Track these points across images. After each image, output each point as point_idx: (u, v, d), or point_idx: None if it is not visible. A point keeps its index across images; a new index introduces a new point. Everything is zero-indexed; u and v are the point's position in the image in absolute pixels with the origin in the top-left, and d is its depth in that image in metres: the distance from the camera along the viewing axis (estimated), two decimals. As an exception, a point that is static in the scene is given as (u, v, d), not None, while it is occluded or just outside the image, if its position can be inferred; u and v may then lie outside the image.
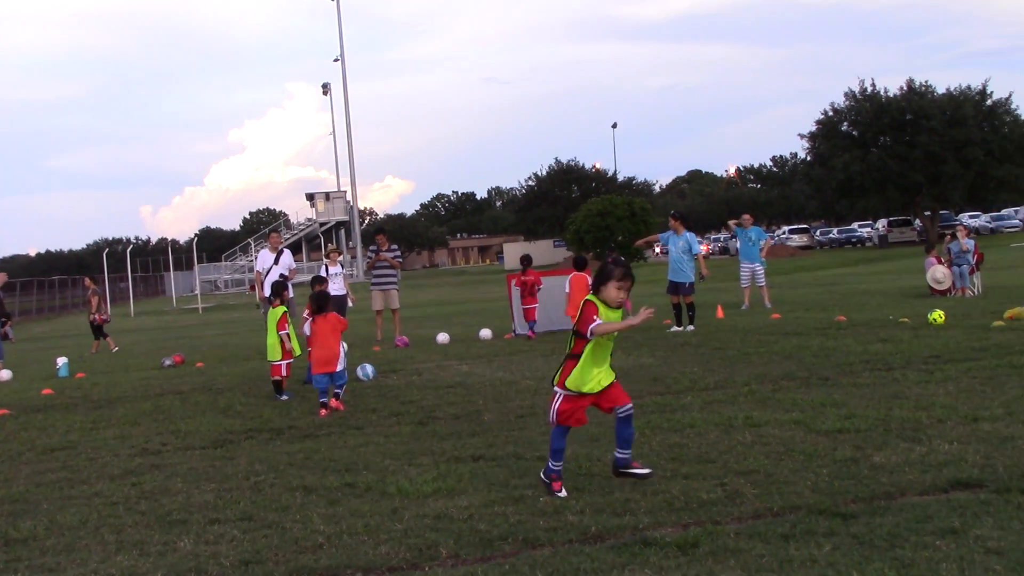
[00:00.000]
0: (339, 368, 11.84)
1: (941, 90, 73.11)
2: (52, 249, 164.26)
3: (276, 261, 19.03)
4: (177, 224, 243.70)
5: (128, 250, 72.56)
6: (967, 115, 68.72)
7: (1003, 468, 6.57)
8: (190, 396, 13.63)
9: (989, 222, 76.99)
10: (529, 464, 7.76)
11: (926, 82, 73.68)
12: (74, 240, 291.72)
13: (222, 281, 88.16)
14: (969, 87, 72.31)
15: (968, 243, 22.66)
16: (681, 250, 18.69)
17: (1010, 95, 71.31)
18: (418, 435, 9.49)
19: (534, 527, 6.00)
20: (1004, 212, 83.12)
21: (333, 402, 11.56)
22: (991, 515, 5.62)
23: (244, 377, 15.59)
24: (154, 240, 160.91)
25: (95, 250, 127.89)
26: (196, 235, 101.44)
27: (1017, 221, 76.53)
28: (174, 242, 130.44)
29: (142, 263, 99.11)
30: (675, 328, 18.04)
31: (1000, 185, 71.56)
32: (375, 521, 6.39)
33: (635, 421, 9.12)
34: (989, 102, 71.05)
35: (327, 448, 9.12)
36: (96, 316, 25.91)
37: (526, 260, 20.69)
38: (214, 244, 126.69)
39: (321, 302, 12.12)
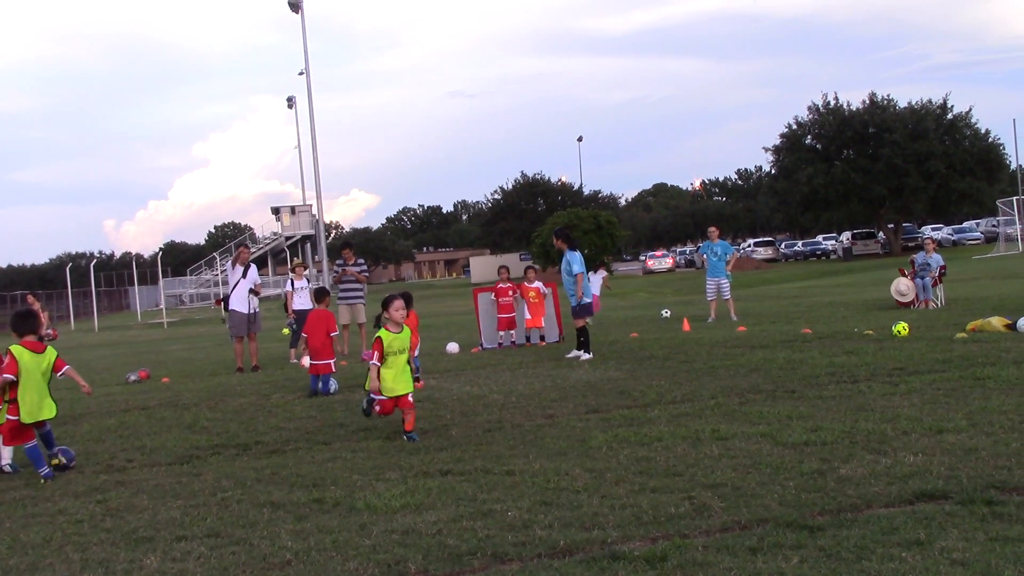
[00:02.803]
0: (415, 353, 13.66)
1: (903, 104, 74.20)
2: (14, 264, 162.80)
3: (244, 275, 18.98)
4: (141, 238, 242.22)
5: (92, 264, 71.88)
6: (928, 128, 69.67)
7: (967, 479, 6.63)
8: (155, 412, 13.53)
9: (951, 234, 77.84)
10: (497, 478, 7.75)
11: (888, 96, 74.79)
12: (37, 254, 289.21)
13: (187, 295, 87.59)
14: (930, 101, 73.47)
15: (936, 258, 22.85)
16: (564, 271, 17.17)
17: (970, 109, 72.56)
18: (386, 450, 9.46)
19: (503, 542, 5.99)
20: (966, 224, 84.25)
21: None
22: (956, 526, 5.67)
23: (210, 392, 15.49)
24: (118, 254, 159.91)
25: (58, 264, 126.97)
26: (161, 249, 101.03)
27: (979, 233, 77.43)
28: (138, 256, 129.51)
29: (106, 278, 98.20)
30: (573, 355, 16.50)
31: (961, 198, 72.56)
32: (343, 537, 6.36)
33: (601, 435, 9.19)
34: (950, 116, 72.09)
35: (294, 463, 9.08)
36: (52, 331, 25.73)
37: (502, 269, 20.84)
38: (179, 258, 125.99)
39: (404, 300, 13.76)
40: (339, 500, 7.39)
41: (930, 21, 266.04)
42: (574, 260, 17.00)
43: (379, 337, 10.26)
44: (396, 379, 10.25)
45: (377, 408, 10.34)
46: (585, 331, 16.77)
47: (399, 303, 10.49)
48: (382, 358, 10.21)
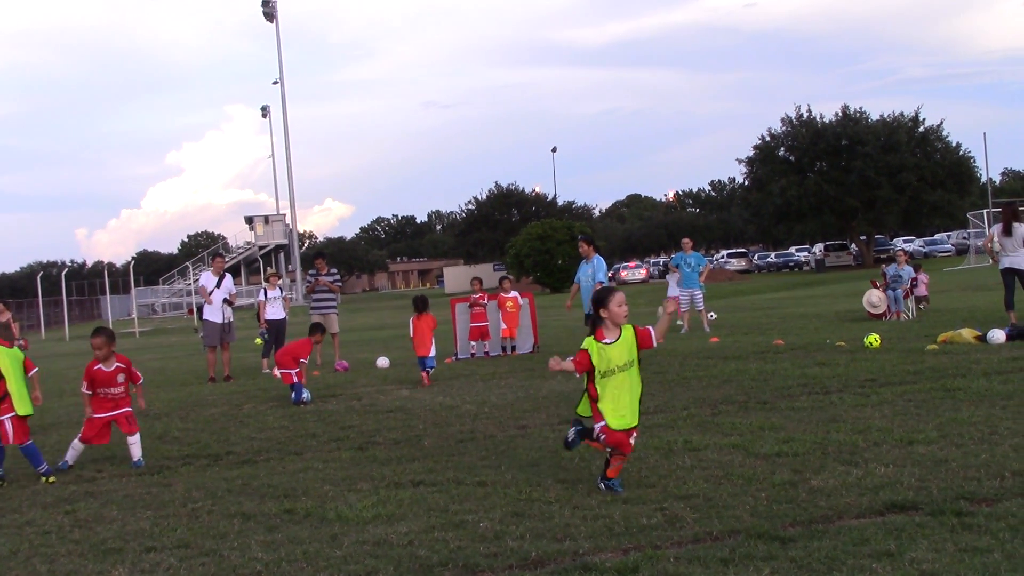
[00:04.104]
0: (431, 354, 15.77)
1: (875, 117, 74.68)
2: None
3: (218, 285, 18.94)
4: (113, 247, 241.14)
5: (63, 273, 71.40)
6: (901, 141, 70.18)
7: (937, 491, 6.66)
8: (126, 422, 13.41)
9: (923, 247, 78.37)
10: (469, 489, 7.73)
11: (860, 108, 75.22)
12: (7, 263, 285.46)
13: (160, 305, 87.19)
14: (902, 114, 74.03)
15: (907, 270, 23.04)
16: (590, 277, 17.51)
17: (941, 122, 73.20)
18: (358, 460, 9.43)
19: (474, 553, 5.97)
20: (937, 237, 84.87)
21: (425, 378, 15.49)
22: (926, 537, 5.69)
23: (182, 402, 15.40)
24: (90, 263, 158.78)
25: (29, 273, 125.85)
26: (133, 258, 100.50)
27: (950, 246, 78.00)
28: (110, 265, 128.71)
29: (77, 287, 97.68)
30: None
31: (933, 210, 73.10)
32: (314, 548, 6.33)
33: (577, 446, 9.16)
34: (922, 129, 72.66)
35: (266, 474, 9.03)
36: (23, 341, 25.50)
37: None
38: (151, 267, 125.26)
39: (419, 304, 16.21)
40: (310, 511, 7.36)
41: (902, 35, 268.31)
42: (599, 268, 17.32)
43: (584, 350, 7.42)
44: (623, 404, 7.42)
45: (601, 437, 7.41)
46: None
47: (621, 296, 7.46)
48: (592, 381, 7.43)
